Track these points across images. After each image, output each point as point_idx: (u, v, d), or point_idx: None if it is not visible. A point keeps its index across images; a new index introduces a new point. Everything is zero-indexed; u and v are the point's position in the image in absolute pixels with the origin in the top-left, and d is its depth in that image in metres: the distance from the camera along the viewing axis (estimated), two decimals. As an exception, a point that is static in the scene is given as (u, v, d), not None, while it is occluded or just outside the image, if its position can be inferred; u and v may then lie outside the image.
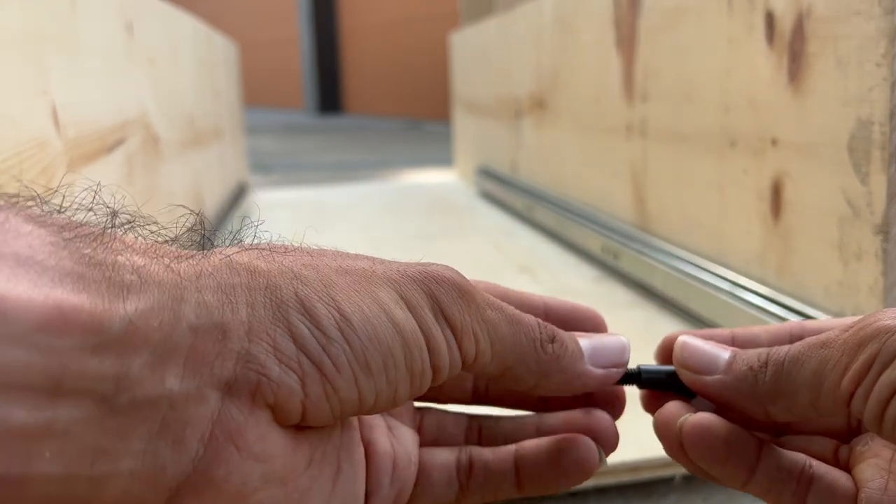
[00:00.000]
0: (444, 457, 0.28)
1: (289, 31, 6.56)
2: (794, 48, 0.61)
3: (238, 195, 1.50)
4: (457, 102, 2.01)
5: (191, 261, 0.21)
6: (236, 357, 0.20)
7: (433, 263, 0.25)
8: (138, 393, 0.18)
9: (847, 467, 0.27)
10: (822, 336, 0.25)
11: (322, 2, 6.18)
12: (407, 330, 0.22)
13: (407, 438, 0.28)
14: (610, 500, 0.53)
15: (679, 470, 0.53)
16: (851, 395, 0.23)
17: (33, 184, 0.47)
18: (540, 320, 0.26)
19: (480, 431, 0.30)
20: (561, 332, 0.27)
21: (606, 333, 0.29)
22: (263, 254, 0.23)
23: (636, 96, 0.93)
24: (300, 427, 0.22)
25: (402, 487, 0.27)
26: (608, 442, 0.28)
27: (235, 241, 0.24)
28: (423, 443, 0.29)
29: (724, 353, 0.27)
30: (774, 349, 0.26)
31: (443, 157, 2.47)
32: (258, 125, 4.57)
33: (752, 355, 0.26)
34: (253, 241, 0.25)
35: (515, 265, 1.06)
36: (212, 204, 1.23)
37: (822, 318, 0.54)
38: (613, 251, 0.96)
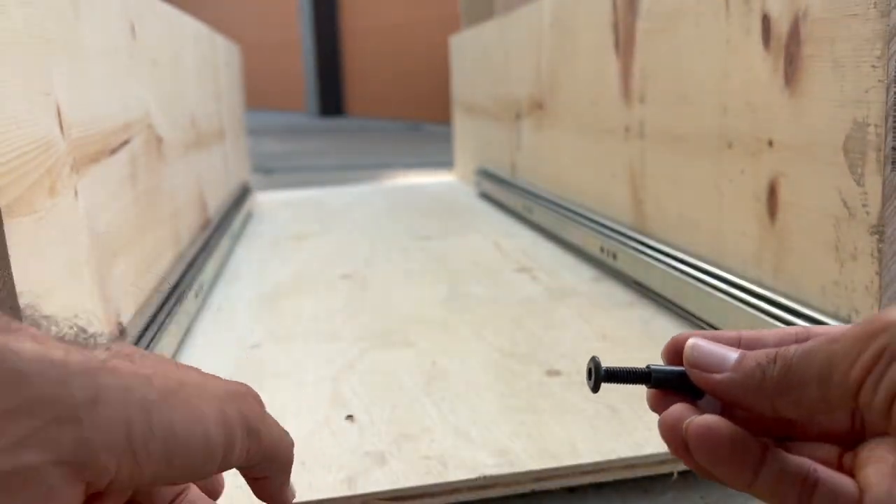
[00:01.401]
0: None
1: (290, 33, 6.57)
2: (790, 50, 0.62)
3: (240, 196, 1.50)
4: (457, 104, 2.02)
5: (81, 352, 0.26)
6: (76, 441, 0.24)
7: (241, 383, 0.32)
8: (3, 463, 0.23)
9: (852, 473, 0.27)
10: (832, 333, 0.25)
11: (323, 5, 6.18)
12: (214, 444, 0.28)
13: None
14: (607, 497, 0.53)
15: (676, 467, 0.53)
16: (860, 386, 0.23)
17: (37, 185, 0.48)
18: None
19: None
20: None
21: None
22: (128, 359, 0.28)
23: (634, 98, 0.93)
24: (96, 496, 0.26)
25: None
26: None
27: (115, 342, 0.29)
28: None
29: (733, 353, 0.27)
30: (783, 347, 0.26)
31: (443, 159, 2.47)
32: (260, 127, 4.57)
33: (760, 353, 0.26)
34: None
35: (514, 265, 1.07)
36: (214, 205, 1.23)
37: (830, 324, 0.55)
38: (611, 251, 0.96)
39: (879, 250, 0.54)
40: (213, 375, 0.31)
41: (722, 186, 0.75)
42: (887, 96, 0.52)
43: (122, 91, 0.73)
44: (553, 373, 0.67)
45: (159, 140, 0.87)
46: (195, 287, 0.87)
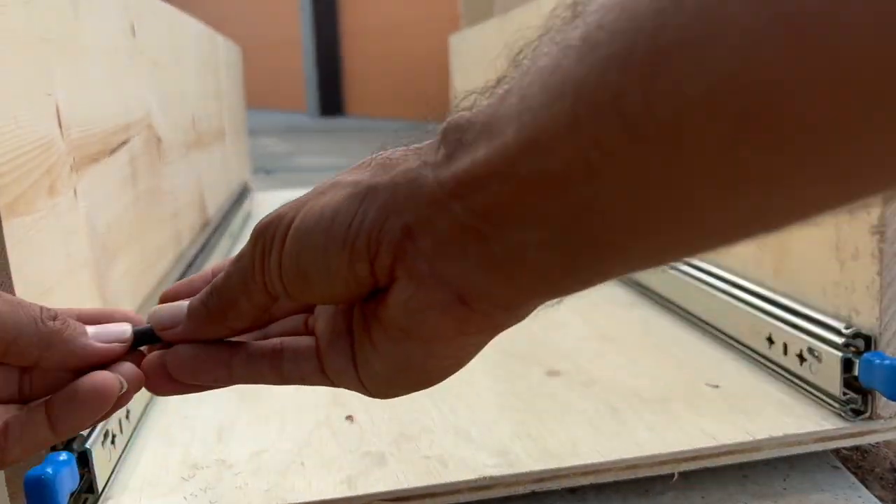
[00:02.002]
0: None
1: (291, 33, 6.57)
2: (790, 50, 0.62)
3: (240, 196, 1.50)
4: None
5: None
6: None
7: None
8: None
9: (311, 332, 0.32)
10: (235, 255, 0.30)
11: (323, 4, 6.19)
12: None
13: None
14: (608, 497, 0.53)
15: (677, 468, 0.53)
16: (263, 283, 0.28)
17: (37, 185, 0.48)
18: (44, 306, 0.30)
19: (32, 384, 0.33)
20: (65, 314, 0.31)
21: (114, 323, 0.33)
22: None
23: (635, 98, 0.93)
24: None
25: None
26: (129, 375, 0.31)
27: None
28: None
29: (183, 303, 0.32)
30: (215, 278, 0.31)
31: (444, 159, 2.47)
32: (260, 127, 4.57)
33: (202, 292, 0.31)
34: None
35: (515, 266, 1.07)
36: (214, 205, 1.23)
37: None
38: (613, 252, 0.96)
39: (880, 250, 0.54)
40: None
41: (722, 186, 0.75)
42: (888, 96, 0.52)
43: (123, 91, 0.73)
44: (553, 373, 0.67)
45: (159, 140, 0.87)
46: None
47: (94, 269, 0.58)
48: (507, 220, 0.23)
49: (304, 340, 0.31)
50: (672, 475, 0.53)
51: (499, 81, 0.25)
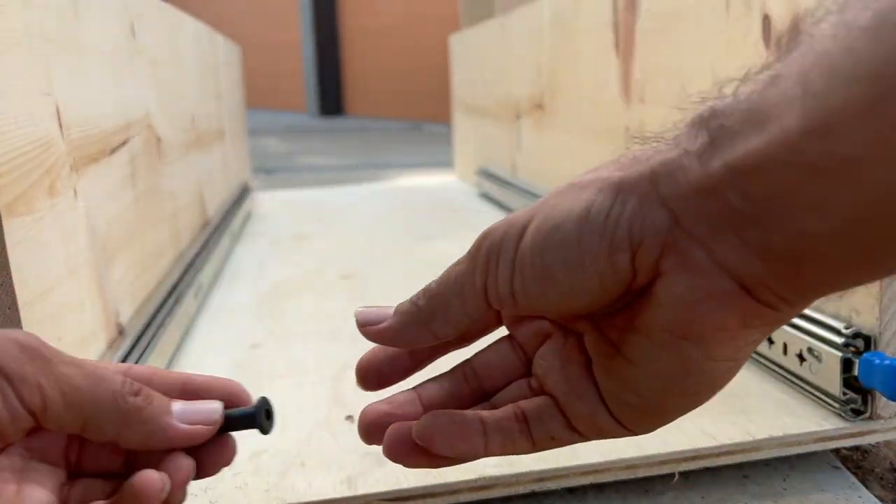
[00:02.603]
0: None
1: (291, 33, 6.57)
2: (790, 50, 0.62)
3: (240, 196, 1.50)
4: (457, 104, 2.02)
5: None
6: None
7: (15, 330, 0.28)
8: None
9: (541, 389, 0.30)
10: (458, 260, 0.29)
11: (323, 4, 6.18)
12: None
13: (35, 496, 0.28)
14: (608, 497, 0.53)
15: (677, 468, 0.53)
16: (485, 288, 0.27)
17: (37, 185, 0.48)
18: (126, 378, 0.28)
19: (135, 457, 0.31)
20: (148, 389, 0.29)
21: (205, 400, 0.30)
22: None
23: (634, 98, 0.93)
24: None
25: None
26: (178, 471, 0.28)
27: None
28: (84, 473, 0.30)
29: (390, 308, 0.31)
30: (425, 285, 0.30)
31: (443, 159, 2.47)
32: (260, 127, 4.57)
33: (412, 297, 0.30)
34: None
35: (515, 266, 1.07)
36: (214, 205, 1.23)
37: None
38: (613, 252, 0.96)
39: (880, 250, 0.54)
40: None
41: (722, 186, 0.75)
42: (888, 96, 0.52)
43: (122, 91, 0.73)
44: (553, 373, 0.67)
45: (159, 140, 0.87)
46: (194, 287, 0.87)
47: (93, 268, 0.58)
48: (790, 208, 0.21)
49: (538, 401, 0.29)
50: (672, 475, 0.53)
51: (762, 68, 0.24)
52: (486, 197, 1.66)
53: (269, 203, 1.71)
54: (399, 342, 0.30)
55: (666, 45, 0.85)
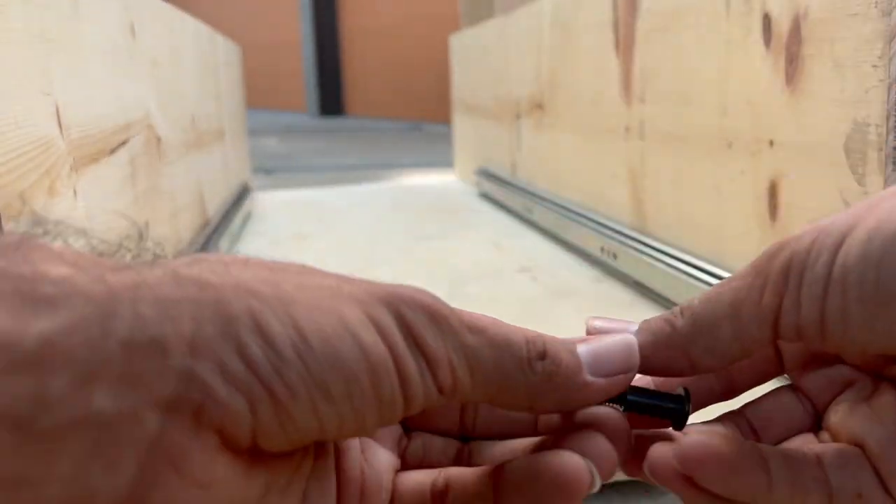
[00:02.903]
0: (418, 480, 0.25)
1: (290, 33, 6.57)
2: (790, 50, 0.62)
3: (240, 196, 1.50)
4: (457, 104, 2.02)
5: (128, 272, 0.19)
6: (177, 375, 0.18)
7: (404, 285, 0.22)
8: (61, 414, 0.16)
9: (836, 439, 0.25)
10: (730, 277, 0.24)
11: (323, 4, 6.19)
12: (374, 354, 0.20)
13: (381, 463, 0.25)
14: (608, 497, 0.53)
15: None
16: (778, 310, 0.22)
17: (37, 185, 0.48)
18: (529, 335, 0.24)
19: (471, 456, 0.27)
20: (554, 345, 0.24)
21: (610, 333, 0.26)
22: (215, 266, 0.20)
23: (634, 98, 0.93)
24: (257, 452, 0.20)
25: None
26: (601, 463, 0.24)
27: (183, 254, 0.21)
28: (405, 467, 0.26)
29: (633, 324, 0.26)
30: (685, 301, 0.25)
31: (443, 159, 2.47)
32: (260, 127, 4.57)
33: (665, 313, 0.25)
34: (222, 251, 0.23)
35: (515, 265, 1.07)
36: (214, 205, 1.23)
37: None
38: (612, 251, 0.96)
39: (880, 250, 0.54)
40: (351, 278, 0.22)
41: (722, 186, 0.75)
42: (888, 96, 0.52)
43: (122, 91, 0.73)
44: (553, 373, 0.67)
45: (159, 140, 0.87)
46: (195, 287, 0.87)
47: (93, 269, 0.58)
48: None
49: (842, 447, 0.24)
50: (672, 475, 0.53)
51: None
52: (486, 197, 1.66)
53: (269, 203, 1.71)
54: (645, 367, 0.25)
55: (666, 44, 0.85)
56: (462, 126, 1.98)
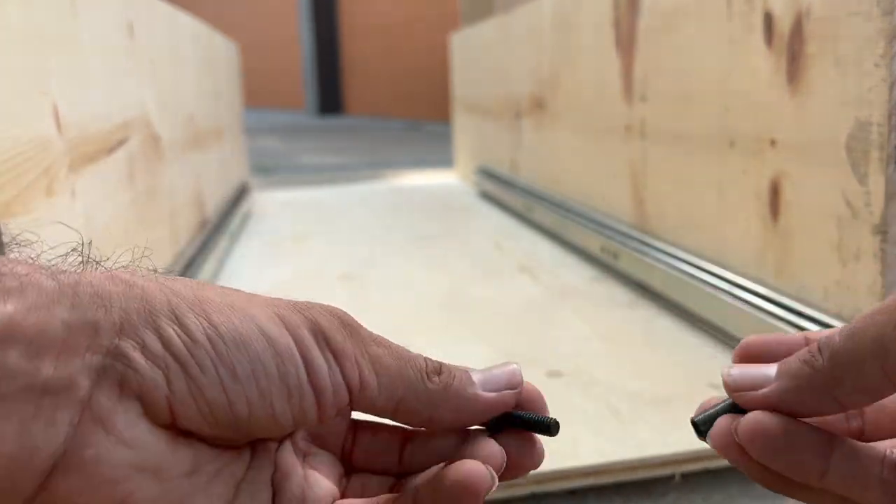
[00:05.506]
0: None
1: (289, 31, 6.57)
2: (792, 49, 0.62)
3: (239, 195, 1.50)
4: (457, 103, 2.01)
5: (73, 273, 0.23)
6: (105, 350, 0.22)
7: (319, 303, 0.26)
8: (15, 381, 0.20)
9: None
10: (872, 308, 0.23)
11: (322, 3, 6.18)
12: (280, 343, 0.24)
13: (323, 489, 0.27)
14: (609, 499, 0.53)
15: (678, 469, 0.53)
16: None
17: (35, 184, 0.48)
18: (427, 357, 0.27)
19: (403, 486, 0.29)
20: (449, 365, 0.27)
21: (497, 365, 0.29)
22: (146, 273, 0.24)
23: (635, 97, 0.93)
24: (182, 433, 0.23)
25: None
26: (494, 462, 0.26)
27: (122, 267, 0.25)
28: (355, 468, 0.29)
29: (769, 367, 0.25)
30: (822, 337, 0.24)
31: (443, 158, 2.47)
32: (259, 126, 4.57)
33: (801, 351, 0.25)
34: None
35: (515, 265, 1.07)
36: (212, 204, 1.23)
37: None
38: (612, 251, 0.96)
39: (882, 251, 0.54)
40: (281, 298, 0.26)
41: (724, 186, 0.75)
42: (890, 95, 0.52)
43: (120, 90, 0.73)
44: (554, 373, 0.67)
45: (157, 139, 0.86)
46: (194, 287, 0.86)
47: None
48: None
49: None
50: (673, 476, 0.53)
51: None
52: (486, 196, 1.65)
53: (267, 202, 1.71)
54: (793, 411, 0.24)
55: (668, 43, 0.84)
56: (462, 125, 1.98)
